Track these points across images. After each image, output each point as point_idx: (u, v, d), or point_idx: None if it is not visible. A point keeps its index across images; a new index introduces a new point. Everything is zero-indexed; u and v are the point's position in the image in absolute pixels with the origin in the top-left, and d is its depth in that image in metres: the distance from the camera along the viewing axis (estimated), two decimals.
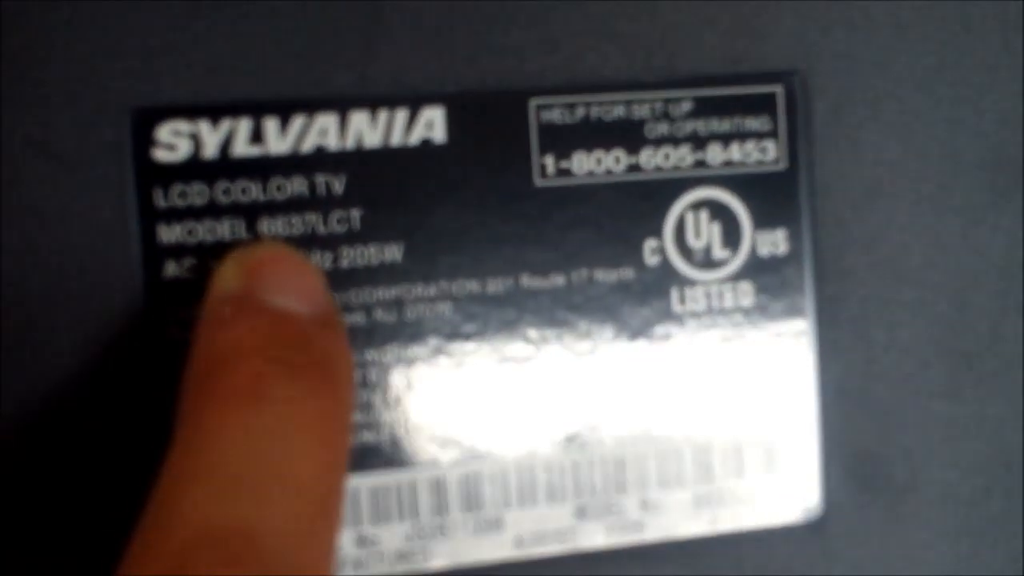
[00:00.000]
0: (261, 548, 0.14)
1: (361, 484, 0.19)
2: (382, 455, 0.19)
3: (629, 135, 0.20)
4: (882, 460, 0.21)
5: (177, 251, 0.19)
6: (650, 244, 0.20)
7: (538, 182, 0.20)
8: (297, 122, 0.19)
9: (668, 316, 0.20)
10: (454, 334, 0.19)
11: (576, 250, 0.20)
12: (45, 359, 0.18)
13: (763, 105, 0.20)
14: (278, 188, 0.19)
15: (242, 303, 0.17)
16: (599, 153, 0.20)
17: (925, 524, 0.21)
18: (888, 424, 0.21)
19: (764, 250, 0.20)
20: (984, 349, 0.21)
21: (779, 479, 0.21)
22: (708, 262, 0.20)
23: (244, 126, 0.19)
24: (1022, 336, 0.21)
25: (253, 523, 0.14)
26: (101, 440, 0.18)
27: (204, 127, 0.18)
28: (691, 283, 0.20)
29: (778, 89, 0.20)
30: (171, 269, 0.19)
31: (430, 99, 0.19)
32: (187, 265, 0.19)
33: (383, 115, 0.19)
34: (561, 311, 0.20)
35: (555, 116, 0.20)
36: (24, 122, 0.18)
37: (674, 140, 0.20)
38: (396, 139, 0.19)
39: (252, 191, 0.19)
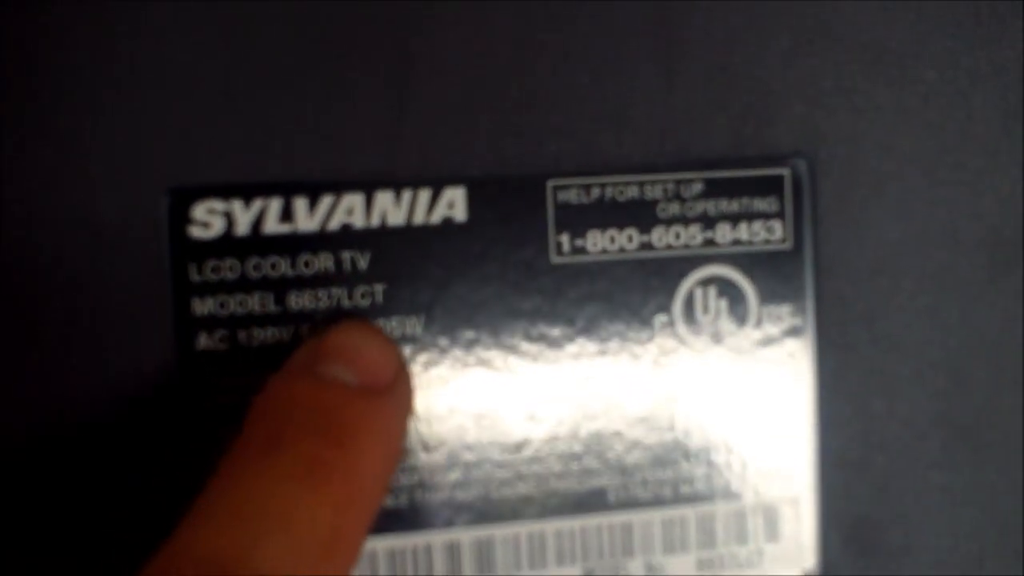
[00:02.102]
0: (262, 562, 0.15)
1: (378, 546, 0.20)
2: (400, 518, 0.20)
3: (642, 215, 0.21)
4: (879, 526, 0.22)
5: (210, 323, 0.19)
6: (660, 319, 0.21)
7: (554, 259, 0.20)
8: (325, 201, 0.20)
9: (676, 388, 0.21)
10: (472, 403, 0.20)
11: (589, 324, 0.21)
12: (83, 424, 0.19)
13: (770, 187, 0.21)
14: (306, 264, 0.20)
15: (298, 370, 0.18)
16: (613, 232, 0.21)
17: None
18: (886, 492, 0.22)
19: (770, 325, 0.21)
20: (980, 422, 0.22)
21: (779, 544, 0.21)
22: (716, 336, 0.21)
23: (275, 205, 0.20)
24: (1018, 410, 0.22)
25: (250, 555, 0.15)
26: (135, 505, 0.19)
27: (237, 206, 0.19)
28: (699, 356, 0.21)
29: (785, 172, 0.21)
30: (203, 341, 0.19)
31: (452, 180, 0.20)
32: (219, 336, 0.20)
33: (407, 195, 0.20)
34: (574, 381, 0.21)
35: (571, 196, 0.20)
36: (69, 200, 0.19)
37: (685, 220, 0.21)
38: (419, 218, 0.20)
39: (281, 266, 0.20)
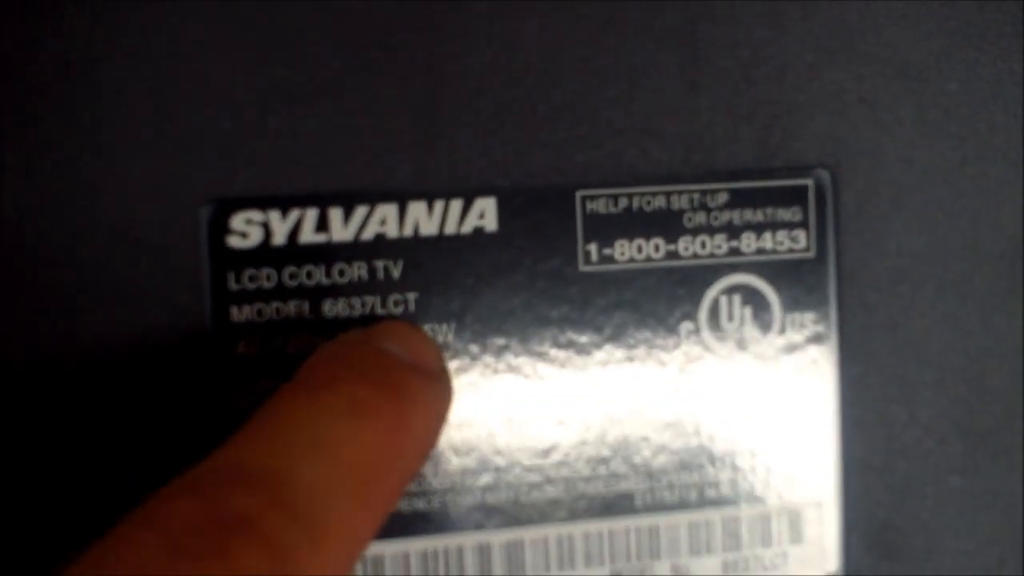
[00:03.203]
0: (291, 494, 0.15)
1: (411, 548, 0.21)
2: (432, 521, 0.21)
3: (668, 224, 0.21)
4: (901, 530, 0.22)
5: (247, 330, 0.20)
6: (686, 326, 0.21)
7: (582, 268, 0.21)
8: (359, 212, 0.20)
9: (702, 395, 0.21)
10: (503, 408, 0.21)
11: (616, 331, 0.21)
12: (125, 426, 0.20)
13: (794, 197, 0.21)
14: (340, 272, 0.20)
15: (353, 338, 0.19)
16: (640, 241, 0.21)
17: None
18: (907, 496, 0.22)
19: (794, 333, 0.22)
20: (999, 428, 0.22)
21: (802, 547, 0.22)
22: (740, 343, 0.21)
23: (311, 215, 0.20)
24: None
25: (291, 473, 0.15)
26: None
27: (274, 216, 0.20)
28: (724, 362, 0.21)
29: (808, 182, 0.21)
30: (242, 346, 0.20)
31: (483, 191, 0.21)
32: (256, 342, 0.20)
33: (439, 205, 0.20)
34: (602, 387, 0.21)
35: (599, 207, 0.21)
36: (111, 212, 0.19)
37: (710, 229, 0.21)
38: (450, 227, 0.20)
39: (316, 275, 0.20)
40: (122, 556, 0.14)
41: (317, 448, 0.16)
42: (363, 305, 0.20)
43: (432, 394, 0.18)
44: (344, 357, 0.18)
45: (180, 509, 0.14)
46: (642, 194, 0.21)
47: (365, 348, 0.18)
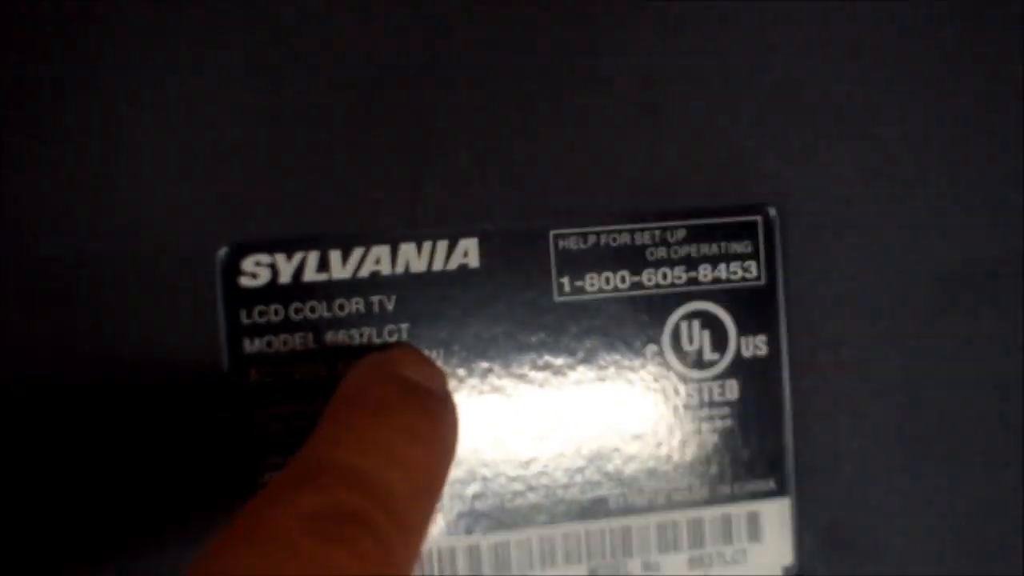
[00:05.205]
0: (386, 497, 0.17)
1: None
2: None
3: (633, 258, 0.23)
4: (849, 527, 0.25)
5: (259, 360, 0.22)
6: (651, 348, 0.24)
7: (557, 299, 0.23)
8: (356, 253, 0.23)
9: (666, 409, 0.24)
10: (488, 425, 0.23)
11: (588, 354, 0.23)
12: (147, 450, 0.22)
13: (745, 232, 0.24)
14: (340, 307, 0.23)
15: (379, 366, 0.20)
16: (608, 274, 0.23)
17: None
18: (854, 497, 0.24)
19: (747, 353, 0.24)
20: (935, 434, 0.25)
21: (761, 544, 0.24)
22: (700, 363, 0.24)
23: (313, 257, 0.22)
24: (970, 421, 0.25)
25: (380, 476, 0.17)
26: (188, 526, 0.22)
27: (280, 258, 0.22)
28: (686, 381, 0.24)
29: (758, 218, 0.24)
30: (254, 375, 0.22)
31: (466, 232, 0.23)
32: (267, 371, 0.22)
33: (427, 246, 0.23)
34: (576, 404, 0.23)
35: (571, 244, 0.23)
36: (137, 256, 0.22)
37: (671, 262, 0.24)
38: (438, 265, 0.23)
39: (319, 310, 0.23)
40: (265, 532, 0.15)
41: (390, 457, 0.18)
42: (361, 336, 0.23)
43: (451, 414, 0.21)
44: (381, 382, 0.20)
45: (306, 499, 0.16)
46: (609, 232, 0.23)
47: (393, 376, 0.20)
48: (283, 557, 0.15)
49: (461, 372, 0.23)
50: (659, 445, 0.24)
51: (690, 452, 0.24)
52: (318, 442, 0.18)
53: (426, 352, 0.23)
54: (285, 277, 0.22)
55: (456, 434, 0.21)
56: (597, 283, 0.23)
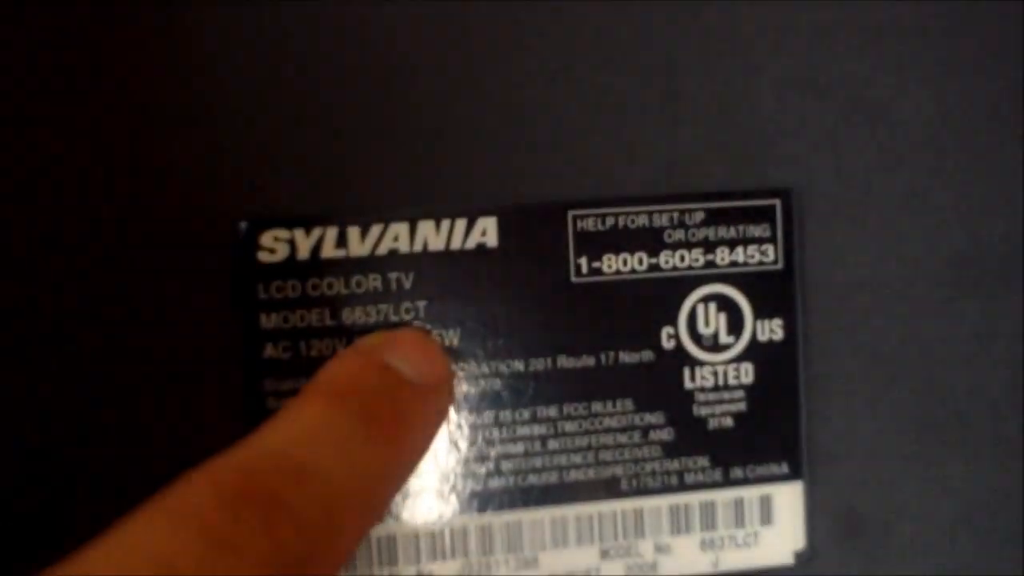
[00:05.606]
0: (322, 491, 0.17)
1: (420, 529, 0.23)
2: (438, 504, 0.23)
3: (650, 240, 0.24)
4: (861, 512, 0.25)
5: (275, 335, 0.22)
6: (667, 331, 0.24)
7: (574, 279, 0.23)
8: (375, 230, 0.23)
9: (681, 391, 0.24)
10: (503, 405, 0.23)
11: (604, 336, 0.23)
12: (164, 425, 0.22)
13: (763, 215, 0.24)
14: (358, 284, 0.23)
15: (366, 352, 0.21)
16: (625, 255, 0.23)
17: (898, 567, 0.25)
18: (867, 482, 0.25)
19: (763, 336, 0.24)
20: (949, 420, 0.25)
21: (773, 527, 0.24)
22: (715, 346, 0.24)
23: (331, 233, 0.22)
24: (984, 408, 0.25)
25: (320, 470, 0.17)
26: None
27: (299, 234, 0.22)
28: (701, 364, 0.24)
29: (776, 202, 0.24)
30: (270, 350, 0.23)
31: (484, 211, 0.23)
32: (283, 347, 0.23)
33: (445, 224, 0.23)
34: (591, 386, 0.24)
35: (589, 225, 0.23)
36: (156, 232, 0.22)
37: (688, 244, 0.24)
38: (456, 244, 0.23)
39: (336, 286, 0.23)
40: (175, 503, 0.15)
41: (338, 449, 0.18)
42: (378, 313, 0.23)
43: (428, 408, 0.20)
44: (358, 370, 0.20)
45: (231, 477, 0.16)
46: (627, 213, 0.23)
47: (375, 364, 0.20)
48: (184, 527, 0.15)
49: (477, 351, 0.23)
50: (673, 426, 0.24)
51: (704, 434, 0.24)
52: (268, 424, 0.18)
53: (441, 331, 0.23)
54: (303, 253, 0.22)
55: (433, 432, 0.21)
56: (614, 264, 0.23)
